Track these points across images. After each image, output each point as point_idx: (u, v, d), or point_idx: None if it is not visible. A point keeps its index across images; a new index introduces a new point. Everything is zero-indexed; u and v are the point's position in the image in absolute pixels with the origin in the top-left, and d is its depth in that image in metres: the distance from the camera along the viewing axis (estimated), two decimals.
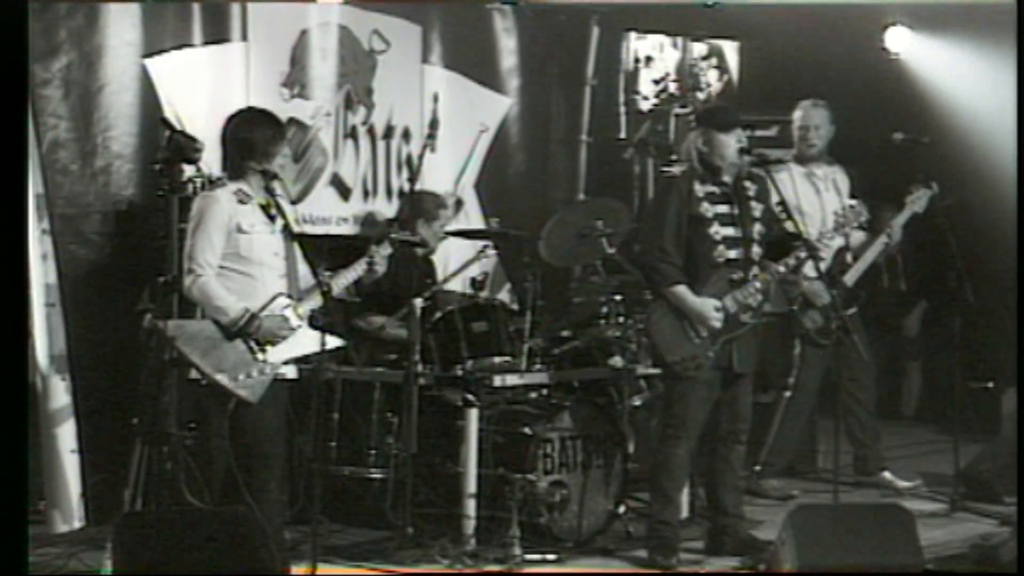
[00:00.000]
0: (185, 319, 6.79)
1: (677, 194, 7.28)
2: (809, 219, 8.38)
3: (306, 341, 6.77)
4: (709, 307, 7.21)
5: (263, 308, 6.66)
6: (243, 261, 6.70)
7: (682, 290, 7.23)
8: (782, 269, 7.38)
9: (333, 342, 6.77)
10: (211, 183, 7.06)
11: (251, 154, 6.74)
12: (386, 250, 7.12)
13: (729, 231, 7.29)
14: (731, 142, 7.30)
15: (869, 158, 9.22)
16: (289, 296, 6.78)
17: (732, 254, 7.28)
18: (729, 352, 7.31)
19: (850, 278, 8.82)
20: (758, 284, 7.30)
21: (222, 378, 6.57)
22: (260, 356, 6.65)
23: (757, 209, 7.39)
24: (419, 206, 8.57)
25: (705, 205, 7.27)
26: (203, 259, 6.64)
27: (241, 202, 6.72)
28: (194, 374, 6.65)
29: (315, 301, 6.80)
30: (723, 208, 7.31)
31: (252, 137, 6.76)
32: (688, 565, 7.34)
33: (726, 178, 7.34)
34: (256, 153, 6.74)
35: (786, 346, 8.84)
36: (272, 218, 6.80)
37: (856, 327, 8.66)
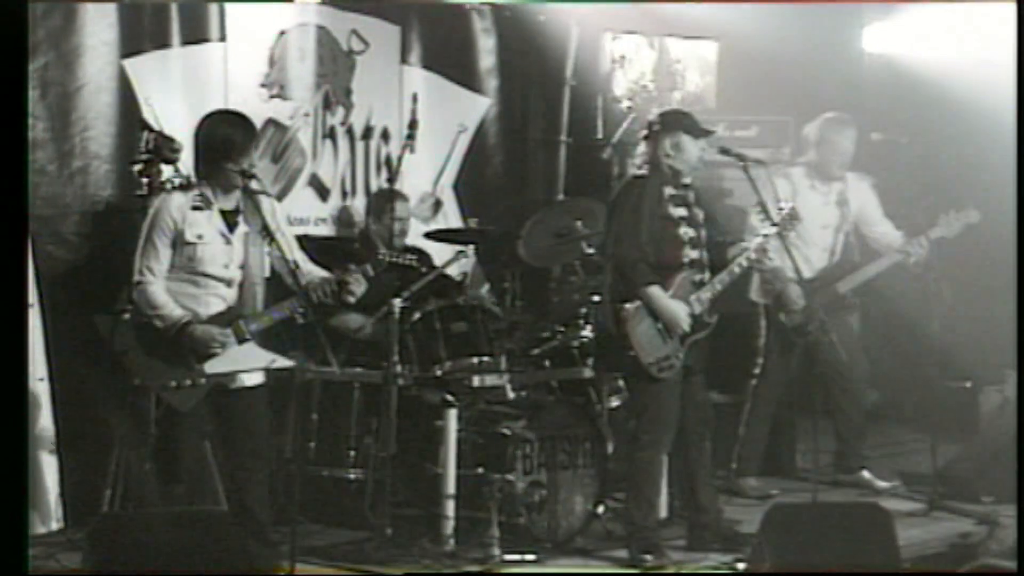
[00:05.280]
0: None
1: (650, 194, 7.36)
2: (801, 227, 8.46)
3: (249, 357, 6.75)
4: (682, 310, 7.32)
5: (206, 321, 6.64)
6: (190, 271, 6.69)
7: (657, 291, 7.30)
8: (735, 269, 7.50)
9: (281, 361, 6.78)
10: (172, 185, 6.97)
11: (224, 156, 6.70)
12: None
13: (691, 232, 7.43)
14: (696, 147, 7.43)
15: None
16: (239, 309, 6.76)
17: (694, 255, 7.43)
18: (688, 353, 7.41)
19: (844, 285, 8.82)
20: (718, 286, 7.41)
21: (149, 381, 6.57)
22: (196, 366, 6.62)
23: (701, 215, 7.53)
24: (376, 202, 8.60)
25: (670, 207, 7.39)
26: (146, 265, 6.64)
27: (196, 208, 6.67)
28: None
29: (261, 322, 6.78)
30: (683, 211, 7.44)
31: (227, 138, 6.73)
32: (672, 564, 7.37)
33: (686, 181, 7.47)
34: (230, 155, 6.70)
35: (753, 336, 8.87)
36: (233, 226, 6.76)
37: (844, 328, 8.69)
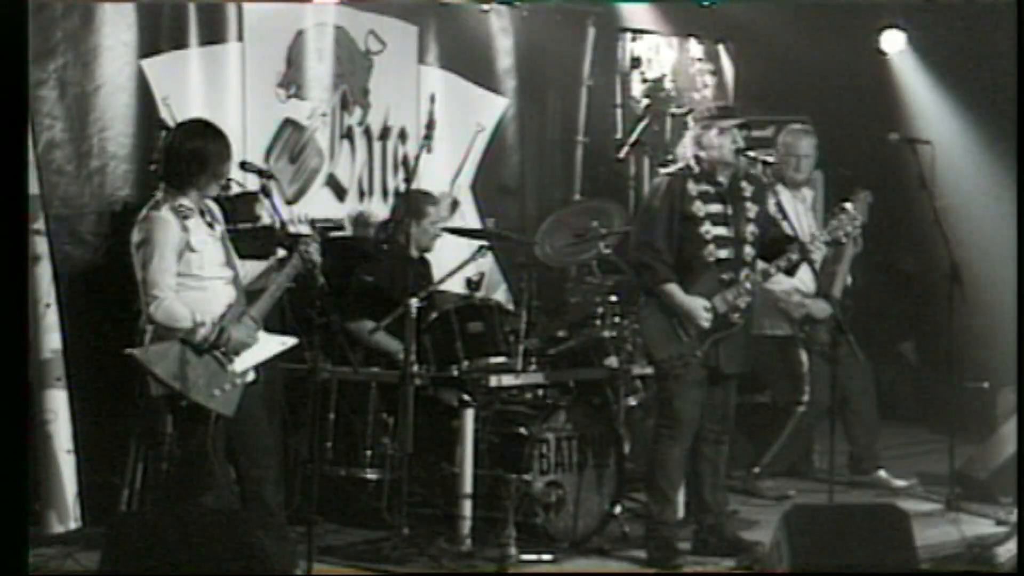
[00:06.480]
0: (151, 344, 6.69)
1: (670, 192, 7.30)
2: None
3: (266, 345, 6.74)
4: (699, 306, 7.24)
5: (223, 318, 6.62)
6: (195, 278, 6.61)
7: (673, 288, 7.25)
8: (773, 271, 7.41)
9: (289, 341, 6.80)
10: (153, 203, 6.86)
11: (201, 168, 6.61)
12: (315, 242, 6.85)
13: (721, 230, 7.31)
14: (727, 142, 7.32)
15: (864, 158, 9.21)
16: (240, 303, 6.75)
17: (723, 253, 7.31)
18: (717, 353, 7.33)
19: (837, 290, 8.81)
20: (748, 285, 7.32)
21: (197, 396, 6.54)
22: (229, 368, 6.62)
23: (752, 210, 7.41)
24: (408, 204, 8.57)
25: (698, 204, 7.29)
26: (163, 283, 6.51)
27: (186, 217, 6.62)
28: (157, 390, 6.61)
29: (265, 303, 6.78)
30: (716, 208, 7.32)
31: (205, 150, 6.63)
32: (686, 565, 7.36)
33: (721, 178, 7.36)
34: (206, 167, 6.61)
35: (794, 365, 8.84)
36: (211, 224, 6.73)
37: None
